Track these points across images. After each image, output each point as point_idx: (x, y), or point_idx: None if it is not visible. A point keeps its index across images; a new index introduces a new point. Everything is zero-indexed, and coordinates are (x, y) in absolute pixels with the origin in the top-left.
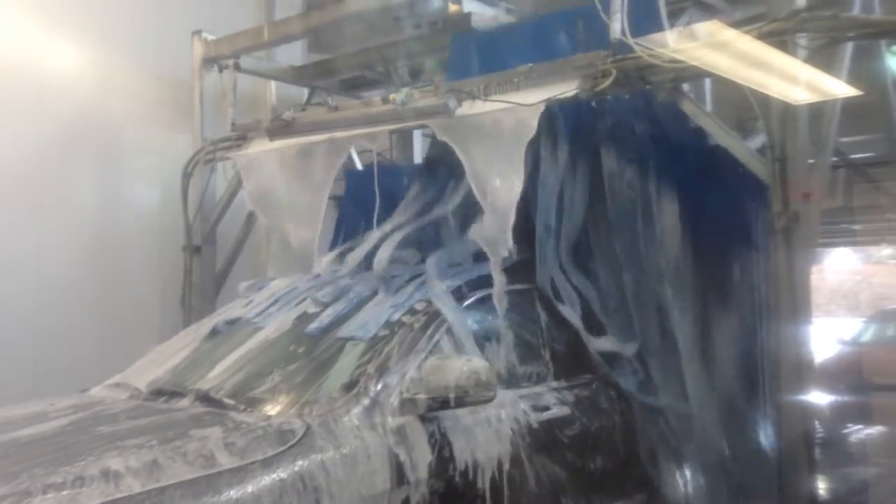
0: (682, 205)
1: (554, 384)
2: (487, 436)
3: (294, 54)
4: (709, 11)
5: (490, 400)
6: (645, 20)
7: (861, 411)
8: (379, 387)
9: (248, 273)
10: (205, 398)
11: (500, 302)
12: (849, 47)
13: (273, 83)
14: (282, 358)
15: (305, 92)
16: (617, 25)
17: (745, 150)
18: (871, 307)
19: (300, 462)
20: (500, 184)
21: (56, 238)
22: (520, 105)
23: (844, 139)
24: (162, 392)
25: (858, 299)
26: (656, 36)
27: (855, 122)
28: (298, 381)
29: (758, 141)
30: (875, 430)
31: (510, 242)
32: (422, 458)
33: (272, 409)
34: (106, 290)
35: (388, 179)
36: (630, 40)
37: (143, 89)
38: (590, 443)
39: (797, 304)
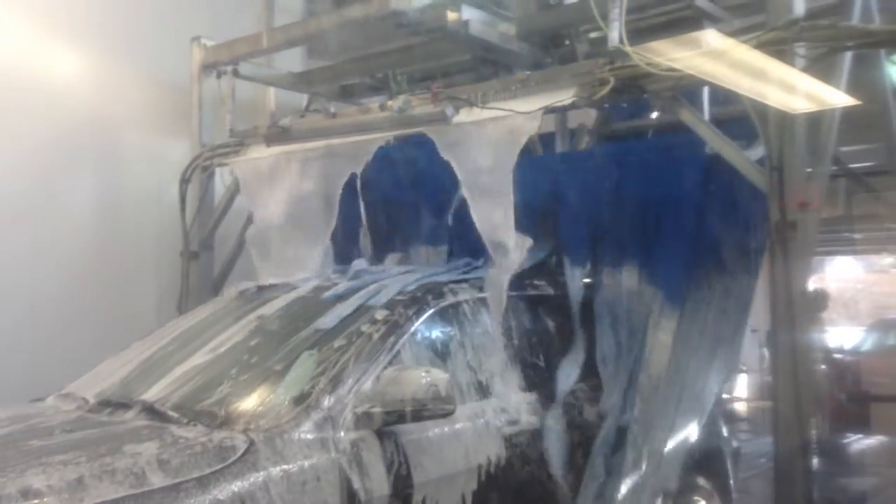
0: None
1: (531, 396)
2: (454, 452)
3: (293, 61)
4: (708, 20)
5: (449, 414)
6: None
7: (860, 420)
8: (332, 400)
9: (244, 279)
10: (150, 410)
11: (497, 309)
12: (848, 56)
13: (272, 89)
14: (235, 367)
15: (305, 98)
16: (615, 34)
17: (743, 158)
18: (872, 316)
19: (239, 482)
20: (494, 191)
21: (53, 242)
22: (517, 113)
23: (845, 149)
24: (109, 403)
25: (859, 308)
26: (654, 44)
27: (855, 132)
28: (248, 393)
29: (759, 150)
30: (874, 440)
31: (510, 248)
32: (377, 477)
33: (216, 423)
34: (103, 295)
35: None
36: (628, 48)
37: (141, 95)
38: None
39: (794, 314)
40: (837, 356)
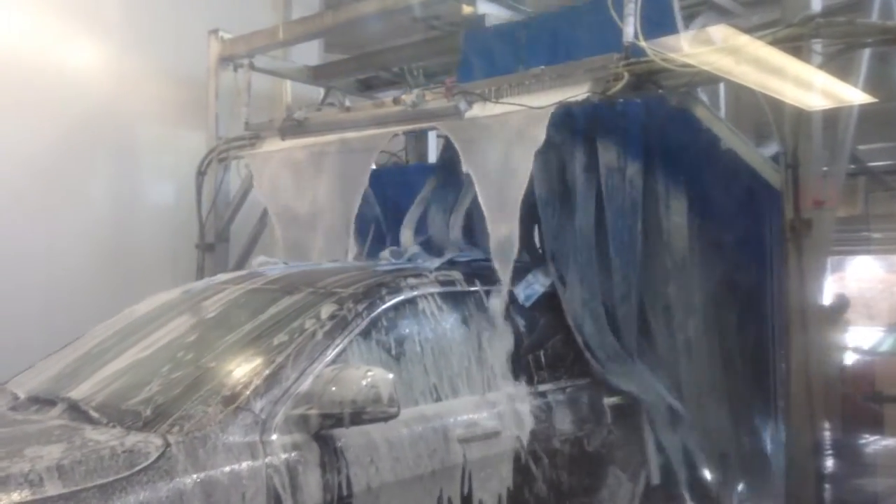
0: (692, 208)
1: (500, 396)
2: (402, 458)
3: (310, 54)
4: (724, 15)
5: (391, 417)
6: (659, 24)
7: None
8: (264, 401)
9: None
10: (73, 409)
11: (501, 303)
12: (866, 53)
13: (288, 83)
14: (169, 365)
15: (321, 92)
16: (630, 29)
17: (758, 155)
18: (893, 316)
19: (147, 491)
20: (507, 186)
21: (69, 234)
22: (530, 108)
23: (864, 147)
24: (37, 400)
25: (879, 308)
26: (669, 39)
27: (875, 130)
28: (176, 393)
29: (774, 147)
30: (890, 442)
31: (516, 245)
32: (310, 485)
33: (138, 425)
34: (119, 287)
35: (401, 179)
36: (643, 44)
37: (159, 87)
38: (527, 463)
39: (808, 313)
40: (857, 356)
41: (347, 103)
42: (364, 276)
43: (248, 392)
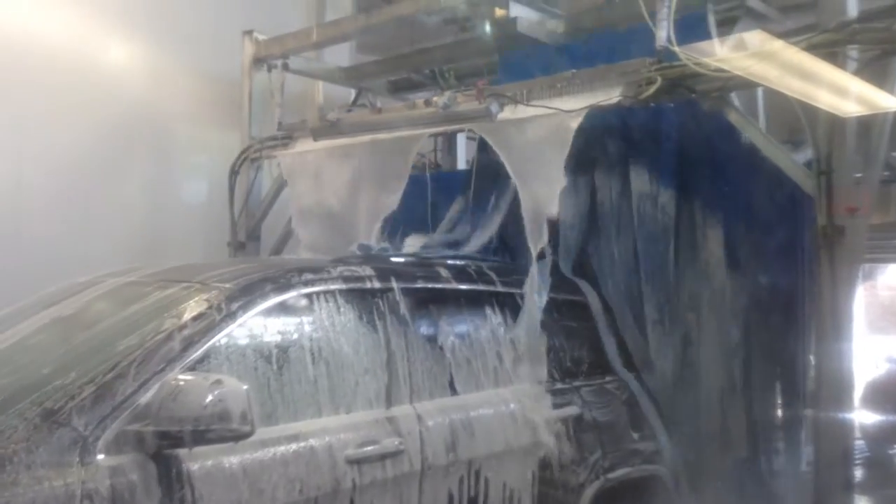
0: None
1: (409, 410)
2: (270, 483)
3: (342, 55)
4: (759, 20)
5: (243, 437)
6: (693, 30)
7: None
8: (90, 416)
9: None
10: None
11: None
12: None
13: (321, 84)
14: (7, 366)
15: (353, 93)
16: (663, 33)
17: (791, 161)
18: None
19: None
20: (538, 189)
21: (105, 234)
22: (562, 111)
23: None
24: None
25: None
26: (702, 44)
27: None
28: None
29: (808, 153)
30: None
31: (545, 242)
32: None
33: None
34: None
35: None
36: (676, 48)
37: (193, 88)
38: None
39: (840, 321)
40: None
41: (379, 104)
42: (255, 269)
43: (70, 405)
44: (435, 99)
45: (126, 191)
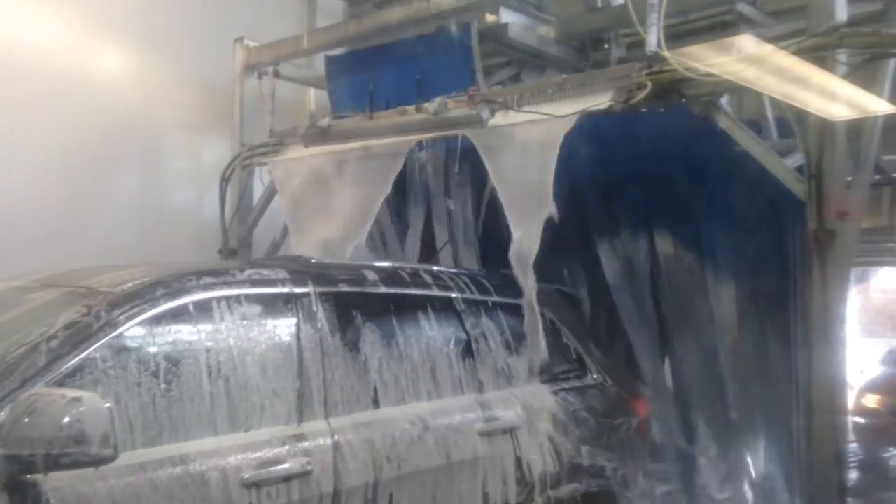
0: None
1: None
2: None
3: None
4: (749, 25)
5: (105, 462)
6: None
7: None
8: None
9: None
10: None
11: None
12: (891, 63)
13: (312, 90)
14: None
15: None
16: (653, 38)
17: (782, 166)
18: None
19: None
20: (530, 195)
21: (95, 237)
22: (553, 116)
23: (889, 157)
24: None
25: None
26: (693, 49)
27: None
28: None
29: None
30: None
31: (535, 250)
32: None
33: None
34: None
35: None
36: (666, 53)
37: (184, 95)
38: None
39: (830, 324)
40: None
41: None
42: (148, 273)
43: None
44: (426, 105)
45: (117, 198)
